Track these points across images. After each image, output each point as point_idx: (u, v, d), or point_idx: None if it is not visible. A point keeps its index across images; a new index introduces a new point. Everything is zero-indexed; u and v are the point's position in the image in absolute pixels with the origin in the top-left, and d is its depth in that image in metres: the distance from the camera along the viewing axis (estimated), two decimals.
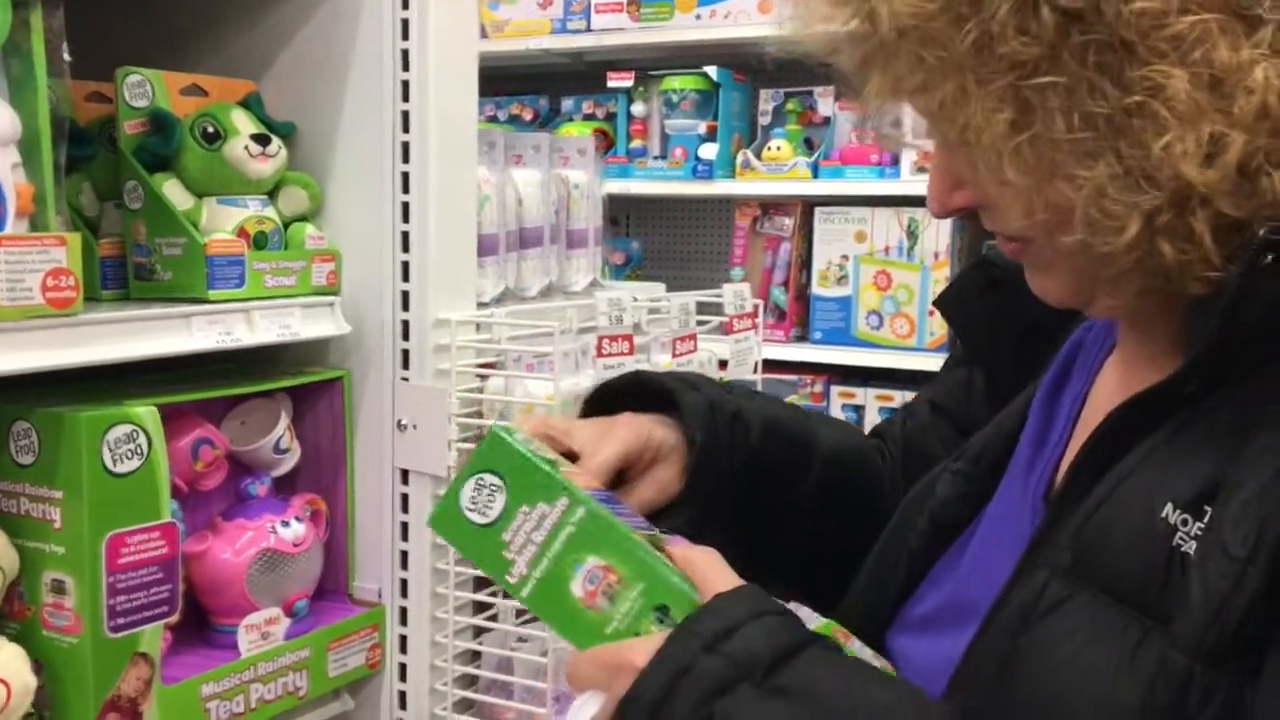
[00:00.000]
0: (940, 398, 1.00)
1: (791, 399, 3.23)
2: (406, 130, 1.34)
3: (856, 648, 0.81)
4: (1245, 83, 0.58)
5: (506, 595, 1.20)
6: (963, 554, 0.83)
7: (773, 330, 3.20)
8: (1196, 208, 0.60)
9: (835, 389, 3.19)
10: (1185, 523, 0.63)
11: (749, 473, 0.95)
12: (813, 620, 0.81)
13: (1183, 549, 0.63)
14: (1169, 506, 0.64)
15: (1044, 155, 0.63)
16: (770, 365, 3.17)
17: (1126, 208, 0.61)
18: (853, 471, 1.01)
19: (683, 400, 0.92)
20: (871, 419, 3.14)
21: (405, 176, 1.35)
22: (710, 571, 0.73)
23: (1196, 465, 0.64)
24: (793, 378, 3.22)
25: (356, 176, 1.38)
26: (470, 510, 0.77)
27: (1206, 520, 0.62)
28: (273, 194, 1.35)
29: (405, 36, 1.33)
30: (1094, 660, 0.64)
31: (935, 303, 0.95)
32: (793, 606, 0.82)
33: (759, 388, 1.76)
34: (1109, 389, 0.79)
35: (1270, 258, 0.61)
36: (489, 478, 0.77)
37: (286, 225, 1.36)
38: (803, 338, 3.25)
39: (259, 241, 1.31)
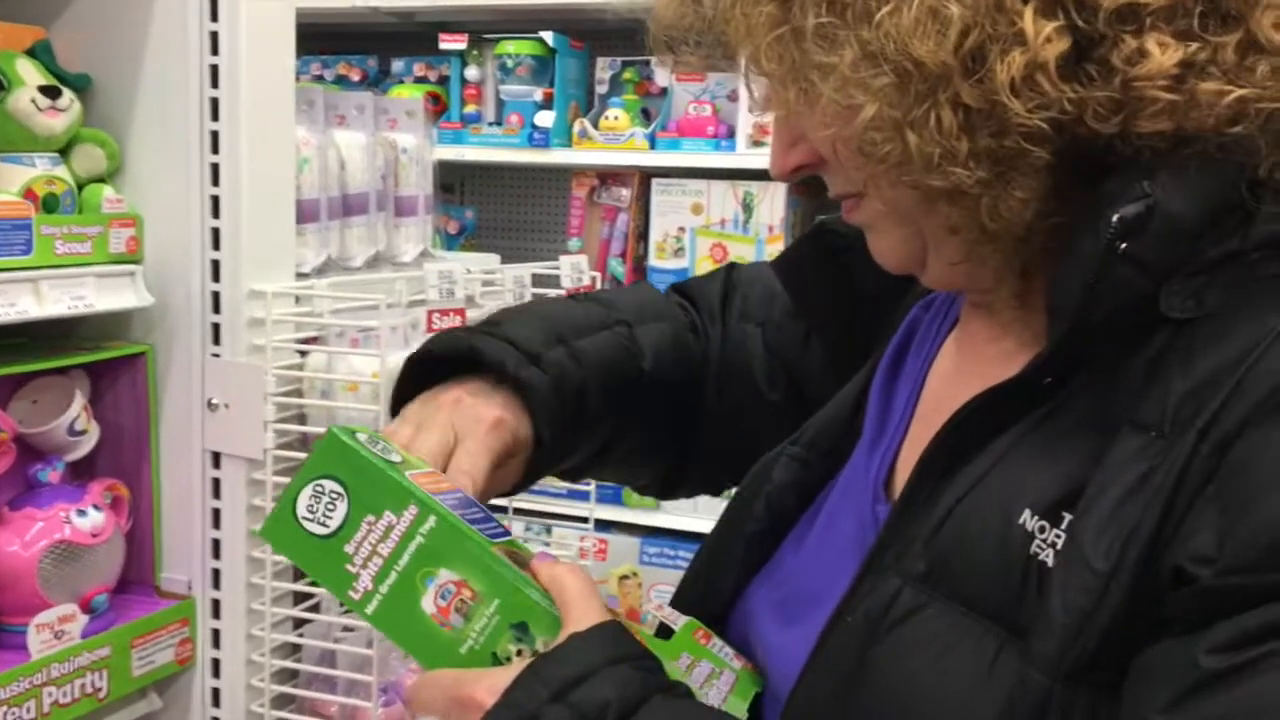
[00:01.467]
0: (775, 342, 0.97)
1: None
2: (216, 85, 1.24)
3: (718, 648, 0.78)
4: None
5: None
6: (802, 541, 0.81)
7: None
8: (939, 91, 0.59)
9: None
10: (1043, 530, 0.61)
11: (588, 437, 0.91)
12: (677, 620, 0.78)
13: (1040, 557, 0.60)
14: (1026, 513, 0.61)
15: (800, 47, 0.63)
16: None
17: (863, 89, 0.61)
18: (676, 385, 0.97)
19: (530, 388, 0.85)
20: None
21: (215, 135, 1.25)
22: (575, 598, 0.69)
23: (1054, 468, 0.62)
24: None
25: (160, 134, 1.27)
26: (308, 520, 0.70)
27: (1065, 527, 0.60)
28: (65, 152, 1.24)
29: None
30: (949, 673, 0.61)
31: (771, 263, 0.92)
32: (654, 609, 0.78)
33: None
34: (947, 372, 0.78)
35: (1124, 246, 0.59)
36: (328, 484, 0.70)
37: (81, 187, 1.24)
38: None
39: (49, 204, 1.19)
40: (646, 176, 3.17)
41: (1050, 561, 0.60)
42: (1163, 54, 0.57)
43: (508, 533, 0.75)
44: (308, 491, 0.71)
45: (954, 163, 0.60)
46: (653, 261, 3.15)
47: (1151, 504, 0.57)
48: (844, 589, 0.69)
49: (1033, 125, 0.59)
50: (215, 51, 1.23)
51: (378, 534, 0.69)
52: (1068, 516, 0.60)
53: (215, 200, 1.26)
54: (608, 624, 0.67)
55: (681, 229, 3.11)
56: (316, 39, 3.40)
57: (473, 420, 0.82)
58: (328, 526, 0.70)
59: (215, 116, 1.24)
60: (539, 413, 0.85)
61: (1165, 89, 0.58)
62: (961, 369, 0.75)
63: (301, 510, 0.70)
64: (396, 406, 0.87)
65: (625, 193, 3.22)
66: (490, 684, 0.65)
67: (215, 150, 1.25)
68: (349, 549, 0.70)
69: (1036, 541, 0.61)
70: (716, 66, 0.75)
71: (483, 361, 0.85)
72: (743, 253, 3.06)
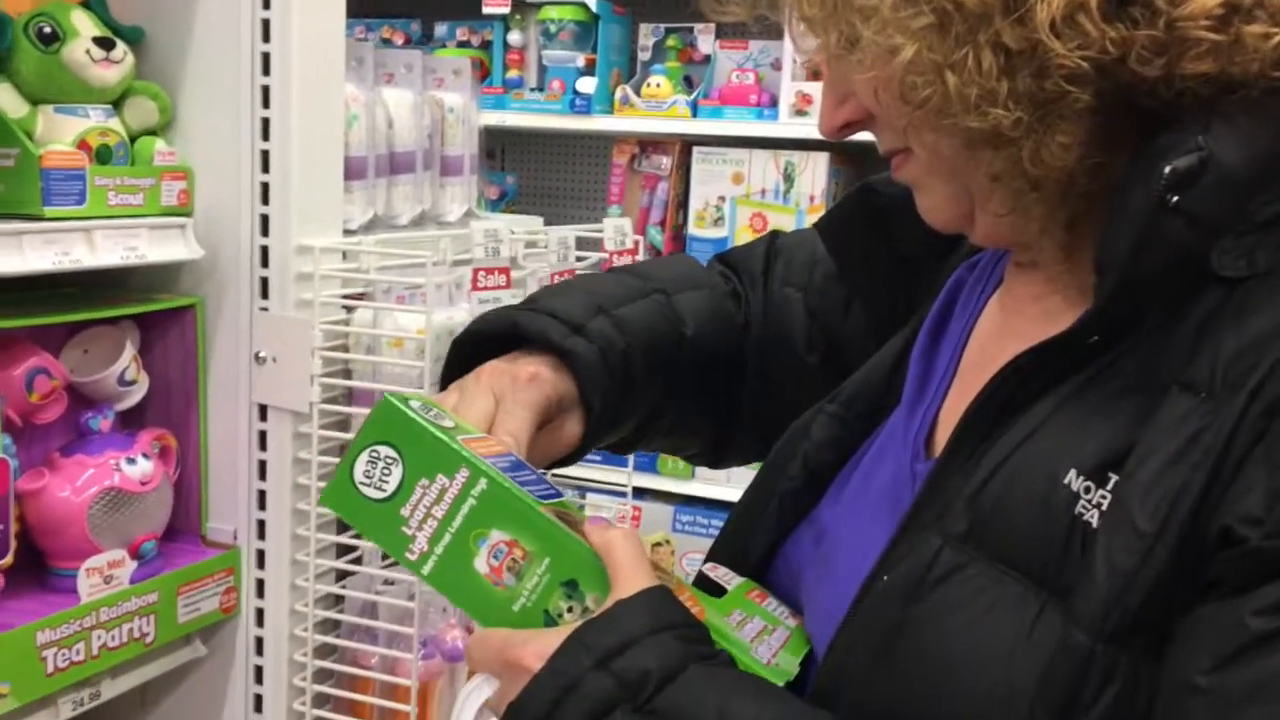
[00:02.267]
0: (817, 306, 0.96)
1: None
2: (267, 40, 1.24)
3: (772, 607, 0.78)
4: None
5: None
6: (839, 497, 0.81)
7: None
8: (979, 32, 0.59)
9: None
10: (1088, 490, 0.60)
11: (636, 405, 0.92)
12: (731, 580, 0.78)
13: (1084, 518, 0.60)
14: (1072, 473, 0.61)
15: None
16: None
17: (903, 31, 0.61)
18: (718, 352, 0.97)
19: (575, 356, 0.85)
20: None
21: (265, 90, 1.25)
22: (624, 562, 0.69)
23: (1101, 429, 0.61)
24: None
25: (212, 89, 1.28)
26: (364, 485, 0.72)
27: (1111, 488, 0.59)
28: (118, 104, 1.25)
29: None
30: (989, 632, 0.61)
31: (815, 226, 0.91)
32: (708, 568, 0.79)
33: None
34: (991, 331, 0.77)
35: (1175, 199, 0.59)
36: (383, 449, 0.72)
37: (133, 139, 1.25)
38: None
39: (102, 155, 1.20)
40: (688, 145, 3.16)
41: (1095, 522, 0.59)
42: None
43: (560, 494, 0.75)
44: (364, 457, 0.72)
45: (994, 104, 0.60)
46: (692, 230, 3.14)
47: (1200, 465, 0.56)
48: (880, 546, 0.69)
49: (1073, 66, 0.58)
50: (267, 6, 1.24)
51: (432, 497, 0.71)
52: (1114, 477, 0.59)
53: (265, 155, 1.26)
54: (654, 590, 0.68)
55: (722, 198, 3.10)
56: (362, 2, 3.41)
57: (509, 380, 0.83)
58: (384, 491, 0.72)
59: (266, 71, 1.25)
60: (586, 380, 0.85)
61: (1210, 29, 0.57)
62: (1005, 328, 0.75)
63: (359, 476, 0.72)
64: (444, 386, 0.87)
65: (666, 161, 3.21)
66: (537, 648, 0.66)
67: (266, 105, 1.26)
68: (405, 512, 0.71)
69: (1081, 502, 0.60)
70: (761, 13, 0.74)
71: (526, 336, 0.86)
72: (783, 222, 3.05)
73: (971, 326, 0.79)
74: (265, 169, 1.27)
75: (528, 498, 0.71)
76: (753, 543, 0.83)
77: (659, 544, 3.05)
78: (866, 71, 0.65)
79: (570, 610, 0.71)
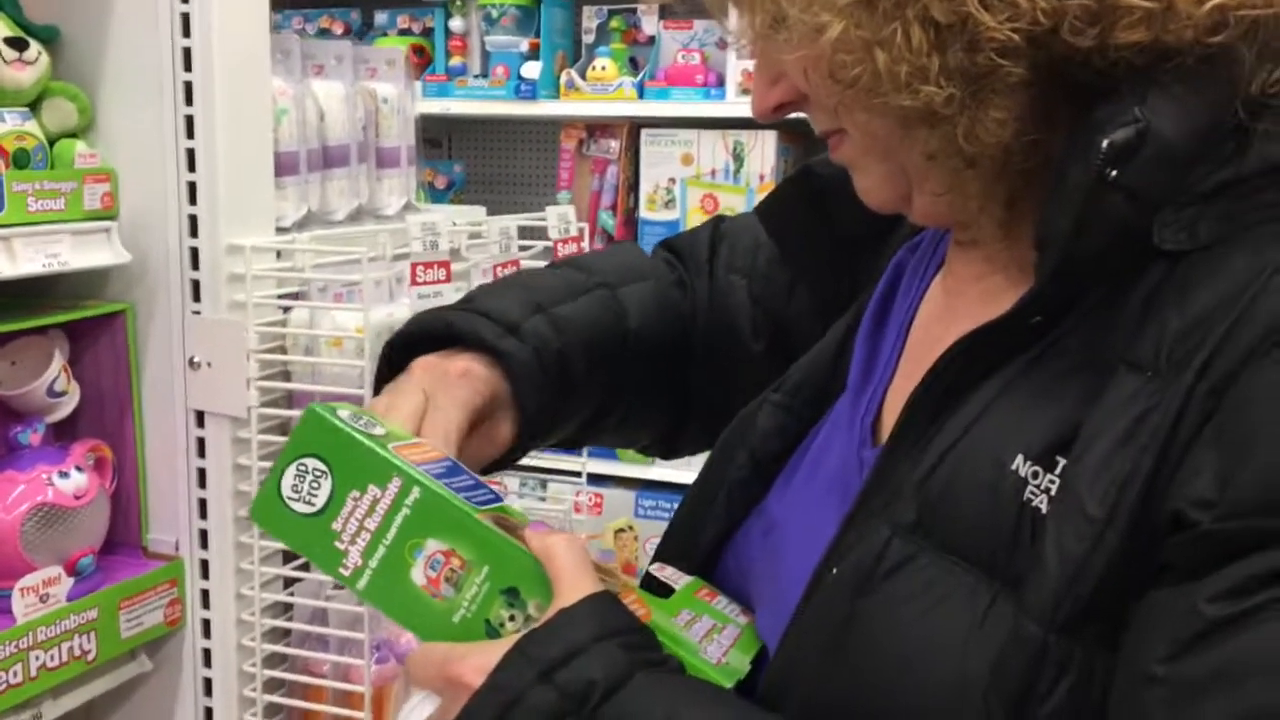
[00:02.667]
0: (761, 292, 0.94)
1: None
2: (188, 34, 1.21)
3: (722, 605, 0.76)
4: None
5: None
6: (788, 486, 0.79)
7: None
8: (907, 8, 0.58)
9: None
10: (1035, 475, 0.59)
11: (578, 404, 0.89)
12: (679, 580, 0.77)
13: (1033, 504, 0.58)
14: (1019, 458, 0.59)
15: None
16: None
17: (829, 9, 0.59)
18: (665, 342, 0.95)
19: (509, 356, 0.82)
20: None
21: (188, 86, 1.21)
22: (566, 568, 0.67)
23: (1047, 411, 0.60)
24: None
25: (132, 87, 1.23)
26: (293, 499, 0.69)
27: (1059, 472, 0.58)
28: (34, 106, 1.20)
29: None
30: (941, 625, 0.59)
31: (755, 210, 0.90)
32: (656, 569, 0.77)
33: None
34: (934, 313, 0.76)
35: (1113, 173, 0.57)
36: (311, 462, 0.69)
37: (52, 142, 1.21)
38: None
39: (19, 160, 1.16)
40: (636, 127, 3.13)
41: (1044, 508, 0.58)
42: None
43: (499, 498, 0.73)
44: (291, 471, 0.69)
45: (925, 81, 0.58)
46: (644, 214, 3.11)
47: (1148, 447, 0.55)
48: (829, 535, 0.67)
49: (1004, 39, 0.57)
50: (186, 0, 1.20)
51: (363, 509, 0.68)
52: (1061, 461, 0.58)
53: (190, 153, 1.23)
54: (597, 596, 0.65)
55: (672, 180, 3.08)
56: None
57: (440, 375, 0.80)
58: (313, 505, 0.69)
59: (188, 67, 1.21)
60: (519, 381, 0.83)
61: None
62: (948, 310, 0.73)
63: (287, 490, 0.69)
64: (379, 389, 0.85)
65: (614, 144, 3.18)
66: (478, 662, 0.64)
67: (189, 102, 1.22)
68: (336, 526, 0.69)
69: (1030, 488, 0.59)
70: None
71: (459, 336, 0.83)
72: (734, 203, 3.03)
73: (915, 309, 0.77)
74: (191, 168, 1.23)
75: (463, 504, 0.69)
76: (702, 536, 0.81)
77: (621, 530, 3.04)
78: (795, 51, 0.63)
79: (512, 619, 0.68)
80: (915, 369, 0.68)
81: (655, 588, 0.78)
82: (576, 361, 0.87)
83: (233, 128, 1.23)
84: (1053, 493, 0.58)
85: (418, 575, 0.68)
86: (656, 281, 0.96)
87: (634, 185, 3.16)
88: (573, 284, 0.92)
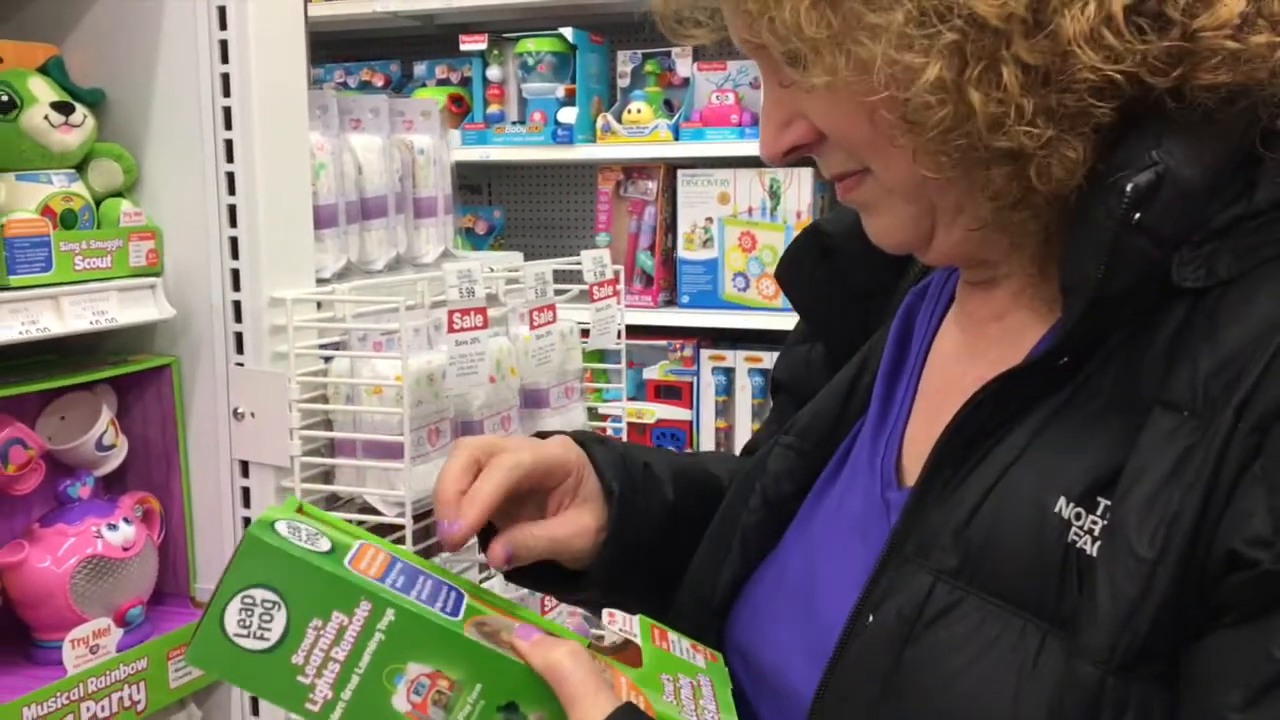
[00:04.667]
0: (783, 375, 0.94)
1: (662, 364, 3.20)
2: (228, 95, 1.24)
3: (679, 650, 0.75)
4: None
5: None
6: (805, 528, 0.79)
7: (641, 295, 3.15)
8: (1000, 49, 0.58)
9: (705, 352, 3.16)
10: (1079, 517, 0.59)
11: (666, 524, 0.88)
12: (632, 627, 0.75)
13: (1078, 545, 0.59)
14: (1061, 500, 0.60)
15: (841, 8, 0.61)
16: (639, 331, 3.13)
17: (923, 49, 0.59)
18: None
19: (593, 451, 0.84)
20: (741, 381, 3.12)
21: (229, 144, 1.24)
22: (578, 687, 0.65)
23: (1084, 452, 0.60)
24: (662, 343, 3.18)
25: (176, 146, 1.27)
26: (240, 636, 0.63)
27: (1102, 512, 0.58)
28: (81, 168, 1.24)
29: None
30: (992, 669, 0.59)
31: (774, 273, 0.90)
32: (606, 613, 0.75)
33: (623, 355, 1.71)
34: (950, 354, 0.76)
35: (1137, 216, 0.57)
36: (259, 593, 0.63)
37: (99, 202, 1.24)
38: (671, 302, 3.21)
39: (66, 220, 1.19)
40: (672, 168, 3.15)
41: (1090, 550, 0.58)
42: (1229, 3, 0.57)
43: (462, 595, 0.70)
44: (235, 605, 0.63)
45: (1020, 121, 0.59)
46: (682, 253, 3.13)
47: (1194, 486, 0.55)
48: (855, 577, 0.67)
49: (1099, 79, 0.57)
50: (225, 60, 1.23)
51: (329, 637, 0.64)
52: (1104, 502, 0.58)
53: (232, 209, 1.25)
54: (622, 714, 0.64)
55: (709, 219, 3.09)
56: (338, 46, 3.42)
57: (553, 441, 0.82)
58: (266, 640, 0.63)
59: (229, 125, 1.24)
60: (600, 463, 0.83)
61: (1229, 38, 0.57)
62: (966, 349, 0.73)
63: (232, 628, 0.63)
64: None
65: (651, 185, 3.20)
66: None
67: (230, 159, 1.25)
68: (297, 659, 0.63)
69: (1074, 529, 0.59)
70: (726, 39, 0.72)
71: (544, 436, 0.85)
72: (771, 240, 3.04)
73: (927, 350, 0.77)
74: (233, 224, 1.26)
75: (445, 620, 0.65)
76: (719, 579, 0.81)
77: None
78: (875, 94, 0.61)
79: None
80: (934, 410, 0.69)
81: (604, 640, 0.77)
82: (659, 468, 0.88)
83: (273, 183, 1.25)
84: (1097, 533, 0.58)
85: (400, 702, 0.64)
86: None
87: (671, 225, 3.18)
88: (693, 459, 0.94)
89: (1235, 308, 0.57)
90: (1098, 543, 0.58)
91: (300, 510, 0.72)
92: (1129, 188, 0.57)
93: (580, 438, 0.86)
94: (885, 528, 0.68)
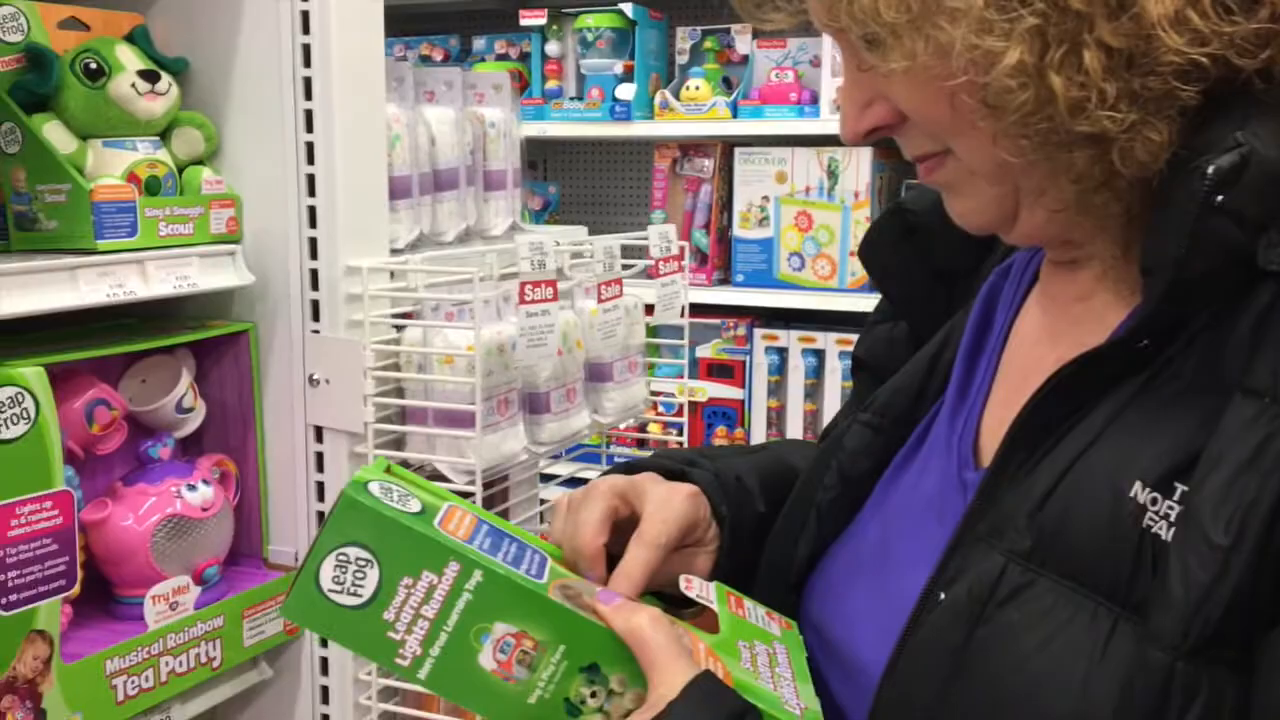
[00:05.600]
0: (864, 353, 0.94)
1: (715, 343, 3.20)
2: (308, 65, 1.25)
3: (754, 617, 0.76)
4: None
5: None
6: (881, 505, 0.80)
7: (695, 274, 3.15)
8: (1082, 32, 0.57)
9: (758, 331, 3.16)
10: (1155, 502, 0.59)
11: (760, 535, 0.88)
12: (708, 593, 0.76)
13: (1154, 530, 0.58)
14: (1137, 485, 0.59)
15: None
16: (693, 309, 3.11)
17: (1004, 33, 0.58)
18: None
19: (695, 477, 0.85)
20: (795, 362, 3.12)
21: (309, 115, 1.26)
22: (659, 653, 0.66)
23: (1162, 436, 0.60)
24: (716, 321, 3.19)
25: (256, 116, 1.29)
26: (335, 592, 0.65)
27: (1178, 497, 0.58)
28: (165, 135, 1.26)
29: None
30: (1062, 652, 0.60)
31: (857, 251, 0.90)
32: (683, 579, 0.77)
33: (685, 332, 1.71)
34: (1031, 335, 0.76)
35: (1220, 199, 0.57)
36: (353, 550, 0.65)
37: (181, 169, 1.27)
38: (725, 280, 3.21)
39: (151, 187, 1.22)
40: (729, 146, 3.15)
41: (1165, 535, 0.58)
42: None
43: (546, 559, 0.72)
44: (330, 562, 0.66)
45: (1102, 106, 0.58)
46: (737, 232, 3.13)
47: (1272, 473, 0.55)
48: (929, 555, 0.68)
49: (1182, 62, 0.57)
50: (307, 31, 1.25)
51: (419, 596, 0.65)
52: (1180, 487, 0.58)
53: (311, 179, 1.27)
54: (700, 685, 0.65)
55: (766, 198, 3.09)
56: (400, 20, 3.44)
57: (683, 491, 0.82)
58: (360, 596, 0.65)
59: (308, 96, 1.26)
60: (706, 488, 0.84)
61: None
62: (1048, 330, 0.73)
63: (327, 584, 0.65)
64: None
65: (708, 163, 3.20)
66: None
67: (309, 130, 1.26)
68: (388, 616, 0.65)
69: (1149, 514, 0.59)
70: (805, 23, 0.72)
71: (640, 467, 0.86)
72: (828, 220, 3.03)
73: (1008, 330, 0.77)
74: (311, 193, 1.28)
75: (530, 583, 0.67)
76: (796, 554, 0.82)
77: None
78: (954, 78, 0.61)
79: (594, 695, 0.67)
80: (1013, 390, 0.69)
81: (685, 602, 0.78)
82: (750, 477, 0.88)
83: (350, 155, 1.27)
84: (1173, 519, 0.58)
85: (486, 660, 0.66)
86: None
87: (727, 204, 3.18)
88: (773, 460, 0.94)
89: None
90: (1173, 528, 0.57)
91: (389, 471, 0.74)
92: (1211, 170, 0.57)
93: (675, 465, 0.85)
94: (961, 507, 0.69)
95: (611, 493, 0.80)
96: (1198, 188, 0.57)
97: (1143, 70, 0.58)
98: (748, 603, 0.78)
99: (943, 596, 0.66)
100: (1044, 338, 0.73)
